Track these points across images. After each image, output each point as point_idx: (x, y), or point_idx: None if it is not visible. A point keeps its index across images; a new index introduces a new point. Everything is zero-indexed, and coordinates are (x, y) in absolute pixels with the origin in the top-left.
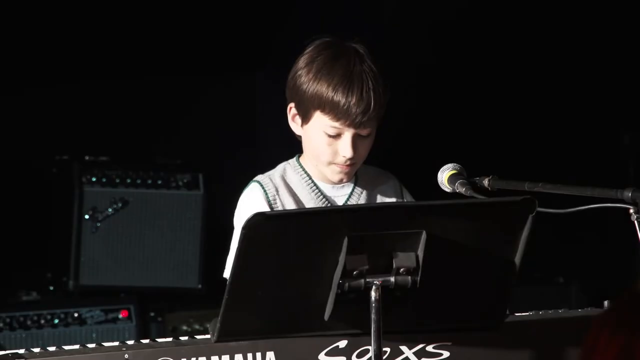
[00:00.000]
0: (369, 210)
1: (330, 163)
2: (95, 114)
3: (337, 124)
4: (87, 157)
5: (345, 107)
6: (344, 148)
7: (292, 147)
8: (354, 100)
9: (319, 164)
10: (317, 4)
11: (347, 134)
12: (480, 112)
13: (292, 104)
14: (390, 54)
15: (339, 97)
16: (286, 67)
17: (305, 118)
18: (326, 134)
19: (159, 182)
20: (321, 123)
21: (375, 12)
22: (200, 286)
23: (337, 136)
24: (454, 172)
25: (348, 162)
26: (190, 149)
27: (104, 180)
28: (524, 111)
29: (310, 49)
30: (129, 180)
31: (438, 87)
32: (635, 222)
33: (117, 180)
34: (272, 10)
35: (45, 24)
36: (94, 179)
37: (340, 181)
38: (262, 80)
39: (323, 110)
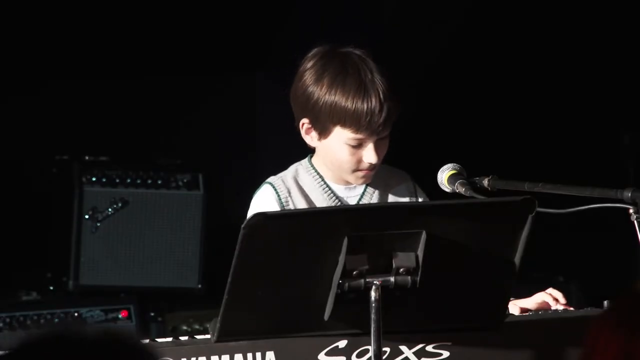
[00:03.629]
0: (368, 210)
1: (354, 171)
2: (95, 114)
3: (359, 136)
4: (87, 157)
5: (367, 119)
6: (369, 156)
7: (292, 147)
8: (374, 110)
9: (341, 172)
10: (317, 4)
11: (370, 142)
12: (481, 112)
13: (305, 120)
14: (390, 54)
15: (359, 111)
16: (286, 67)
17: (324, 133)
18: (348, 145)
19: (159, 182)
20: (342, 136)
21: (375, 12)
22: (200, 286)
23: (359, 145)
24: (454, 172)
25: (372, 167)
26: (190, 149)
27: (104, 180)
28: (524, 111)
29: (312, 61)
30: (129, 180)
31: (438, 87)
32: (635, 222)
33: (117, 180)
34: (272, 10)
35: (46, 25)
36: (94, 179)
37: (363, 183)
38: (262, 80)
39: (344, 125)
